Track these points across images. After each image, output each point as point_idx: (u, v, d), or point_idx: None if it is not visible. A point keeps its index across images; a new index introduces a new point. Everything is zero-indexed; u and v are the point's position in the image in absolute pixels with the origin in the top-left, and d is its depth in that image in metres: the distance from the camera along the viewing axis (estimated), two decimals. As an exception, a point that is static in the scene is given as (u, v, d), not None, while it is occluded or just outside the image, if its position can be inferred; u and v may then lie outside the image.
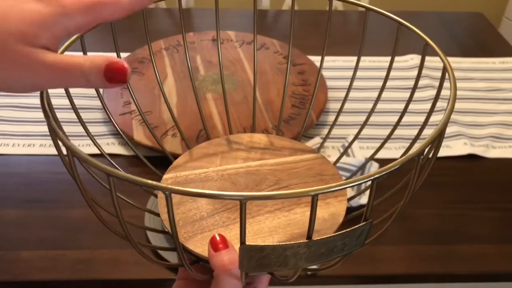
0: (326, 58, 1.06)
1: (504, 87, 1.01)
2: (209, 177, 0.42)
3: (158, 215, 0.40)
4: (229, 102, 0.88)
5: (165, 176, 0.43)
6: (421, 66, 0.41)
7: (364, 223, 0.29)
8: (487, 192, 0.78)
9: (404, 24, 0.42)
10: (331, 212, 0.39)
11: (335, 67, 1.03)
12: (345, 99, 0.48)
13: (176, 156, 0.46)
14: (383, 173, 0.27)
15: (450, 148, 0.84)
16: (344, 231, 0.28)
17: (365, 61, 1.04)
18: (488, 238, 0.71)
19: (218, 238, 0.32)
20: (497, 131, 0.89)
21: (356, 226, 0.28)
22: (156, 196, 0.43)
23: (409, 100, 0.42)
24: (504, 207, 0.76)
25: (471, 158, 0.84)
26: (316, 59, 1.03)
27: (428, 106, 0.92)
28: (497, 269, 0.68)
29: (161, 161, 0.49)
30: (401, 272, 0.67)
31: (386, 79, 0.45)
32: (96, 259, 0.66)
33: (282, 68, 0.97)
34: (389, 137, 0.45)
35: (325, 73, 0.96)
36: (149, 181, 0.26)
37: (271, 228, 0.37)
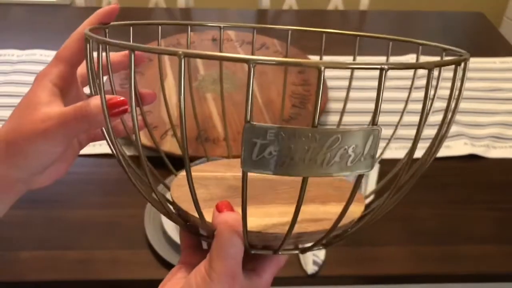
0: (326, 58, 1.06)
1: (505, 87, 1.01)
2: (226, 178, 0.42)
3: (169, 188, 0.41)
4: (229, 102, 0.88)
5: (182, 173, 0.43)
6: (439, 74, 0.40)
7: (372, 127, 0.27)
8: (488, 192, 0.78)
9: (424, 43, 0.41)
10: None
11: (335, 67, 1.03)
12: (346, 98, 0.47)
13: (175, 156, 0.46)
14: (393, 64, 0.26)
15: (451, 148, 0.84)
16: (350, 129, 0.27)
17: (366, 61, 1.04)
18: (488, 238, 0.71)
19: (224, 204, 0.33)
20: (497, 131, 0.89)
21: (364, 127, 0.27)
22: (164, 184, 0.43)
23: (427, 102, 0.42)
24: (504, 207, 0.76)
25: (472, 158, 0.84)
26: (316, 59, 1.02)
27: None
28: (497, 269, 0.67)
29: (162, 161, 0.49)
30: (401, 272, 0.67)
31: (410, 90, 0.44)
32: (96, 259, 0.65)
33: (282, 68, 0.97)
34: (391, 137, 0.44)
35: (325, 73, 0.96)
36: (167, 48, 0.26)
37: (282, 212, 0.36)
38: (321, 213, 0.37)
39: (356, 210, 0.39)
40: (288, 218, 0.34)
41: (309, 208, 0.37)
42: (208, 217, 0.34)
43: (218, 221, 0.32)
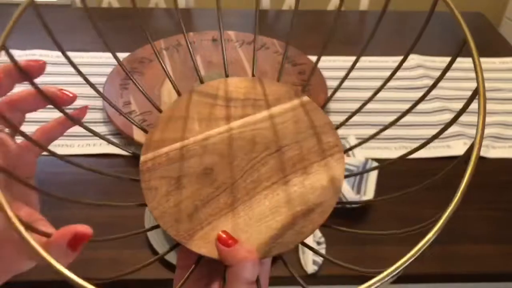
0: (326, 58, 1.06)
1: (504, 87, 1.01)
2: (192, 152, 0.38)
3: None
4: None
5: (143, 158, 0.38)
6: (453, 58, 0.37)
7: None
8: (487, 192, 0.78)
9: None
10: (330, 177, 0.37)
11: (335, 67, 1.03)
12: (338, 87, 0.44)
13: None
14: None
15: (450, 148, 0.84)
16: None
17: (365, 61, 1.04)
18: (488, 238, 0.71)
19: (224, 236, 0.33)
20: (497, 131, 0.89)
21: None
22: None
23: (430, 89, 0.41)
24: (504, 207, 0.76)
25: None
26: (316, 59, 1.03)
27: (427, 106, 0.92)
28: (497, 269, 0.68)
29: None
30: (401, 272, 0.67)
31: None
32: (96, 259, 0.66)
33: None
34: (384, 129, 0.42)
35: (325, 73, 0.96)
36: None
37: (272, 209, 0.35)
38: (310, 193, 0.36)
39: (337, 173, 0.37)
40: (282, 217, 0.34)
41: (295, 188, 0.36)
42: (203, 245, 0.34)
43: (234, 258, 0.32)
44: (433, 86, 0.35)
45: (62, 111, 0.35)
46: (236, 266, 0.31)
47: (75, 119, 0.36)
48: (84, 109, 0.37)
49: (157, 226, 0.36)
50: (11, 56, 0.31)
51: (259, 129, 0.39)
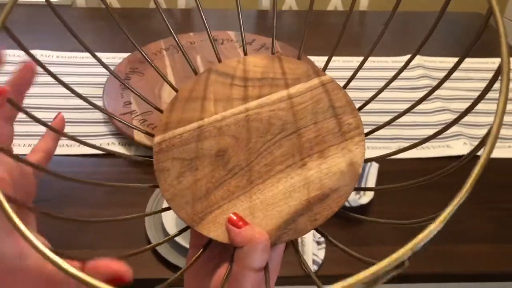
0: (326, 58, 1.06)
1: (504, 87, 1.01)
2: (206, 133, 0.37)
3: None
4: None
5: (157, 139, 0.37)
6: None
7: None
8: (487, 192, 0.78)
9: None
10: (349, 161, 0.35)
11: (335, 67, 1.03)
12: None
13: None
14: None
15: (450, 148, 0.85)
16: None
17: (368, 61, 1.04)
18: (488, 238, 0.71)
19: (235, 218, 0.32)
20: (497, 131, 0.89)
21: None
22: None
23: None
24: (504, 207, 0.76)
25: (472, 158, 0.84)
26: (316, 59, 1.03)
27: (427, 106, 0.93)
28: (497, 269, 0.68)
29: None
30: (401, 272, 0.67)
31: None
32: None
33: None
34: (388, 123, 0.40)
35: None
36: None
37: (286, 193, 0.34)
38: (327, 177, 0.34)
39: (356, 157, 0.35)
40: (296, 203, 0.32)
41: (311, 172, 0.34)
42: (213, 229, 0.33)
43: (244, 239, 0.31)
44: (448, 75, 0.34)
45: (44, 124, 0.36)
46: (246, 247, 0.30)
47: (58, 130, 0.37)
48: (59, 118, 0.38)
49: (168, 209, 0.36)
50: (13, 36, 0.31)
51: (276, 110, 0.38)
